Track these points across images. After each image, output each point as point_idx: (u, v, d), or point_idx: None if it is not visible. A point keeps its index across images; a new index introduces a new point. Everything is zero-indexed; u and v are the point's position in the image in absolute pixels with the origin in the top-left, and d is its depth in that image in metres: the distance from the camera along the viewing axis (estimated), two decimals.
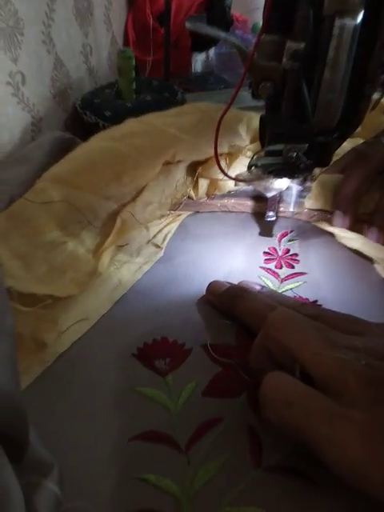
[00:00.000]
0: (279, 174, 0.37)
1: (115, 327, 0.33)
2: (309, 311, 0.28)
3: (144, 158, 0.41)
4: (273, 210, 0.44)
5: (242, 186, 0.48)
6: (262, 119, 0.36)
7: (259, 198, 0.47)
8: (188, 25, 0.32)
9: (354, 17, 0.26)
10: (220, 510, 0.22)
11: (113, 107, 0.68)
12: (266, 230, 0.44)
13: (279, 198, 0.45)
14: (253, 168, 0.36)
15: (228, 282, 0.35)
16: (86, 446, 0.25)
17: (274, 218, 0.45)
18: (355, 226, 0.41)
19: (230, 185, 0.48)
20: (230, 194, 0.48)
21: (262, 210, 0.46)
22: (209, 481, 0.23)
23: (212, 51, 0.97)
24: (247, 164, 0.37)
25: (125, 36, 0.98)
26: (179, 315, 0.34)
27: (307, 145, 0.33)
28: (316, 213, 0.45)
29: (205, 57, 0.98)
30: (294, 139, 0.33)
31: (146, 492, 0.23)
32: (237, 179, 0.39)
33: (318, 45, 0.28)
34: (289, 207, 0.44)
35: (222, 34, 0.31)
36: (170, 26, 0.81)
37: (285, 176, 0.38)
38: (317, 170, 0.43)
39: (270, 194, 0.41)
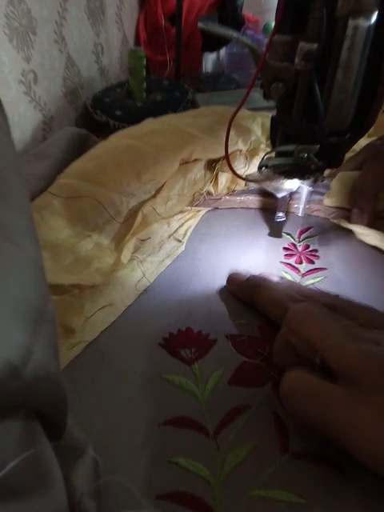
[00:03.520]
0: (290, 174, 0.37)
1: (141, 318, 0.34)
2: (329, 300, 0.28)
3: (163, 156, 0.42)
4: (283, 211, 0.44)
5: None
6: (273, 120, 0.36)
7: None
8: (200, 24, 0.32)
9: (368, 17, 0.26)
10: (250, 494, 0.23)
11: (123, 106, 0.68)
12: (276, 230, 0.44)
13: (290, 199, 0.45)
14: (263, 168, 0.36)
15: (248, 273, 0.36)
16: (118, 431, 0.26)
17: (283, 219, 0.44)
18: (373, 223, 0.41)
19: None
20: (249, 191, 0.49)
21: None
22: (238, 465, 0.24)
23: (223, 51, 0.97)
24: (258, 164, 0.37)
25: (136, 36, 0.99)
26: (202, 307, 0.35)
27: (319, 146, 0.33)
28: (334, 210, 0.45)
29: (216, 57, 0.98)
30: (306, 140, 0.33)
31: (178, 475, 0.23)
32: (247, 179, 0.39)
33: (330, 45, 0.28)
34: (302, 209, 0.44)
35: (233, 34, 0.31)
36: (182, 26, 0.81)
37: (295, 177, 0.38)
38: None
39: (280, 195, 0.41)
